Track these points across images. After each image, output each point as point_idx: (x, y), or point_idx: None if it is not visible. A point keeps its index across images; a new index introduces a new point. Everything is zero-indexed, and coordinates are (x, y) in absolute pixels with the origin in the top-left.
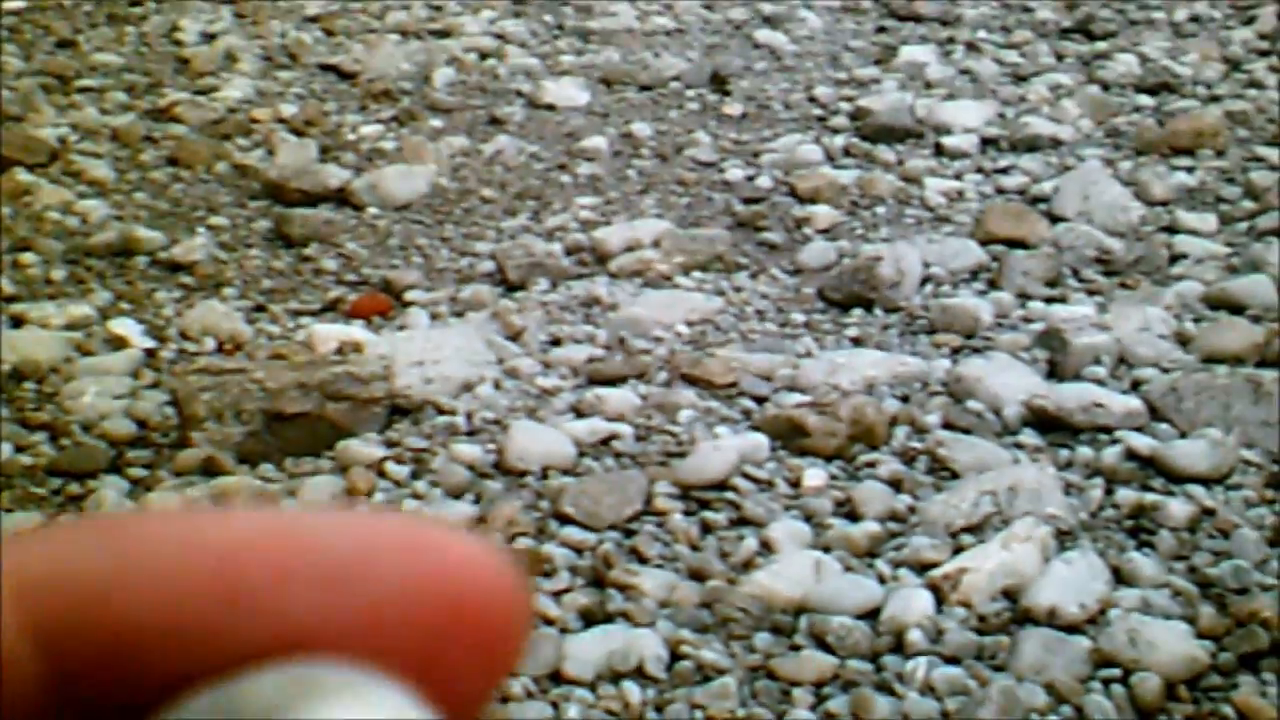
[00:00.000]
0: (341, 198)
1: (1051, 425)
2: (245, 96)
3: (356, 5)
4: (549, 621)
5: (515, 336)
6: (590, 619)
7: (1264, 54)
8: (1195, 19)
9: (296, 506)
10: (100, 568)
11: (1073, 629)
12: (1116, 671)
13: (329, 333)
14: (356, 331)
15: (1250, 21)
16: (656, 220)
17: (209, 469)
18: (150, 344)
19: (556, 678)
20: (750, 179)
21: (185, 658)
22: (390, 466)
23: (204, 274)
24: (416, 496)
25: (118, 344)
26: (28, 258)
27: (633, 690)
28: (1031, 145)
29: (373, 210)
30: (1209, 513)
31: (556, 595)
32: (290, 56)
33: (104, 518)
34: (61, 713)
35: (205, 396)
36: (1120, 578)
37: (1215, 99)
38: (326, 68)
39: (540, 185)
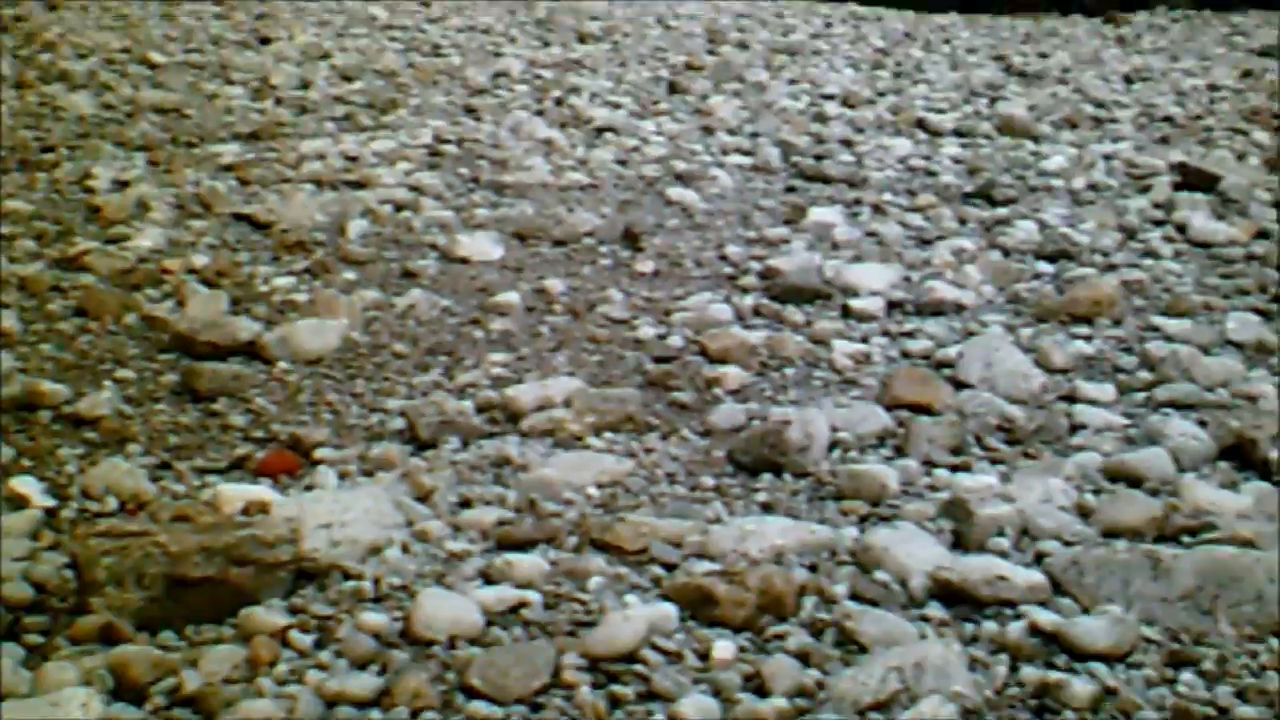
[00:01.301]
0: (252, 351)
1: (957, 598)
2: (156, 246)
3: (272, 154)
4: None
5: (425, 497)
6: None
7: (1159, 223)
8: (1093, 187)
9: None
10: None
11: None
12: None
13: (235, 493)
14: (263, 491)
15: (1146, 190)
16: (568, 378)
17: (108, 637)
18: (51, 503)
19: None
20: (662, 337)
21: None
22: (294, 635)
23: (109, 429)
24: (321, 667)
25: (18, 503)
26: None
27: None
28: (936, 310)
29: (283, 364)
30: (1111, 692)
31: None
32: (203, 205)
33: None
34: None
35: (106, 560)
36: None
37: (1112, 267)
38: (240, 217)
39: (453, 341)
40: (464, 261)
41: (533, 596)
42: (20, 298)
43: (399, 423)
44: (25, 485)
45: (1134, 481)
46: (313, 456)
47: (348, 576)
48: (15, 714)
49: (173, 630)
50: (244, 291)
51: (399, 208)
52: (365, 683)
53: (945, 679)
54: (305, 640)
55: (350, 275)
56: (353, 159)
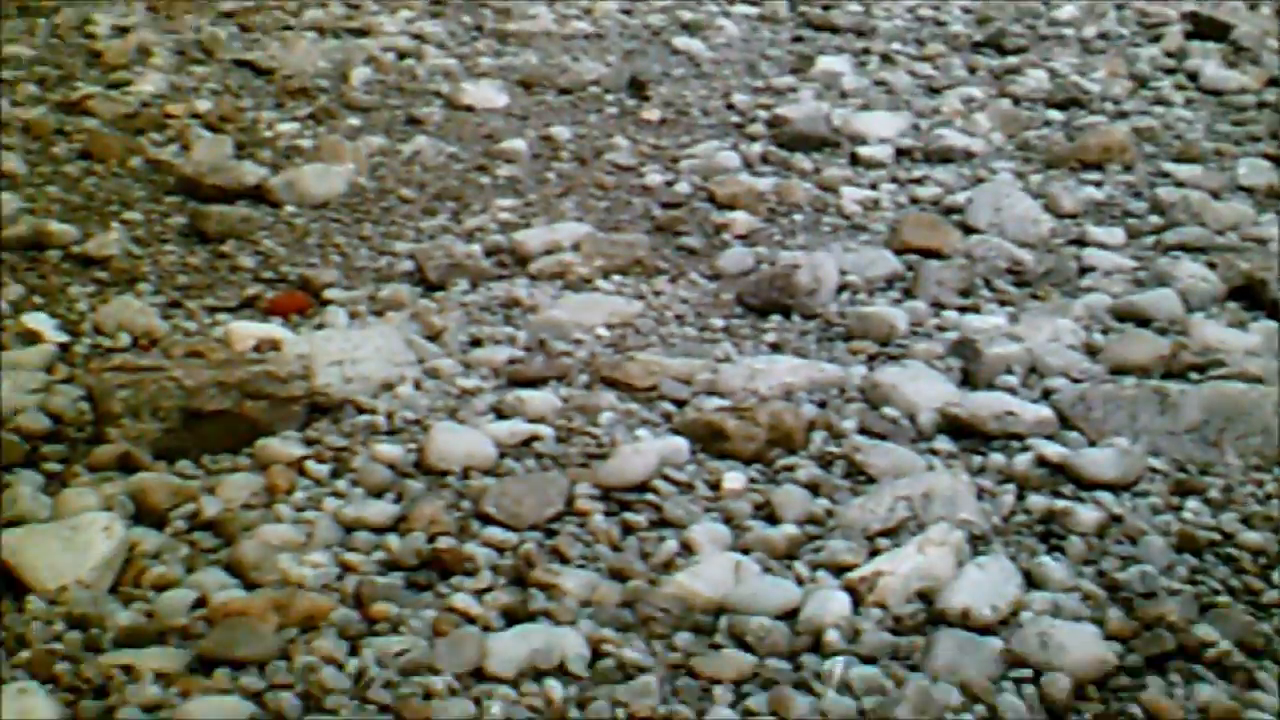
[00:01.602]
0: (258, 195)
1: (965, 432)
2: (159, 91)
3: (272, 1)
4: (471, 620)
5: (435, 337)
6: (512, 618)
7: (1170, 71)
8: (1104, 36)
9: (217, 505)
10: None
11: (985, 630)
12: (1027, 672)
13: (246, 330)
14: (274, 329)
15: (1157, 39)
16: (576, 224)
17: (126, 465)
18: (64, 339)
19: (479, 675)
20: (669, 184)
21: None
22: (310, 465)
23: (118, 269)
24: (338, 495)
25: (31, 338)
26: None
27: (555, 687)
28: (945, 157)
29: (290, 208)
30: (1117, 519)
31: (479, 594)
32: (205, 51)
33: None
34: None
35: (121, 393)
36: (1031, 581)
37: (1123, 115)
38: (242, 63)
39: (459, 186)
40: (469, 109)
41: (545, 430)
42: (24, 140)
43: (407, 265)
44: (37, 321)
45: (1142, 321)
46: (322, 297)
47: (361, 411)
48: (37, 538)
49: (189, 460)
50: (248, 136)
51: (402, 55)
52: (382, 510)
53: (953, 507)
54: (321, 470)
55: (355, 121)
56: (354, 6)
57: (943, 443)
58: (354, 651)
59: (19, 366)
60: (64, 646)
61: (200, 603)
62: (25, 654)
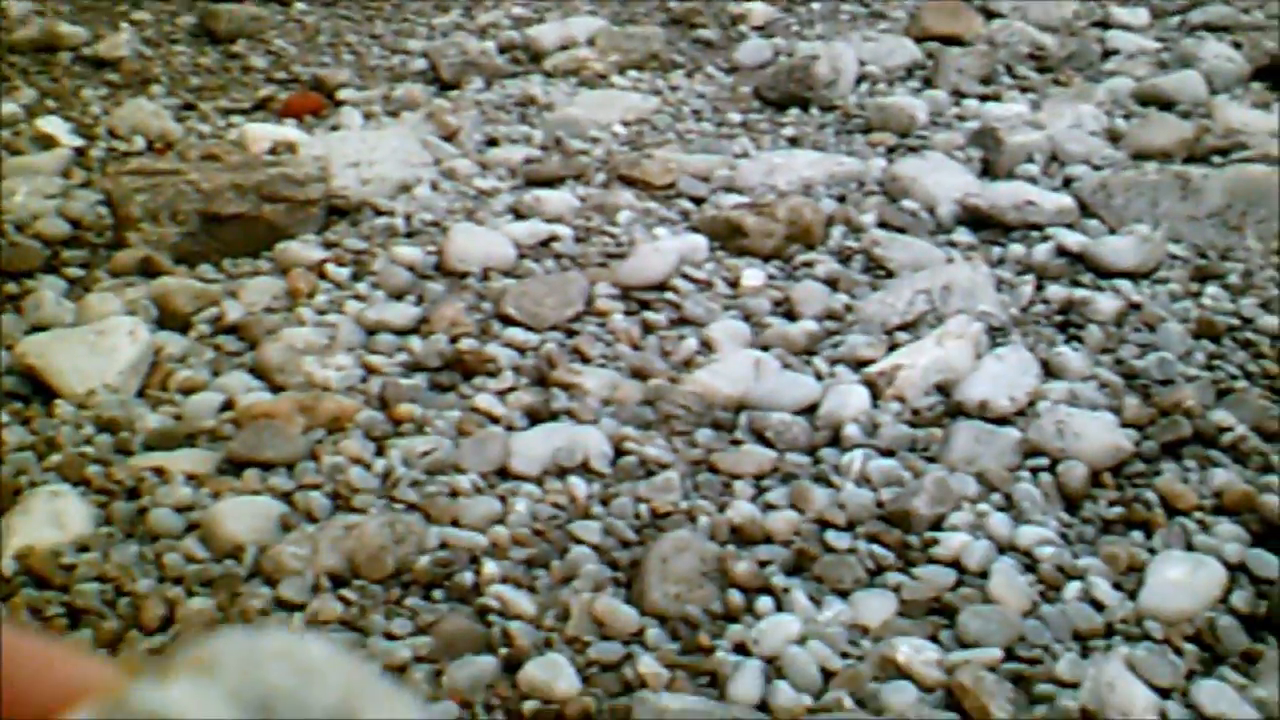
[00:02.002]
0: None
1: (984, 223)
2: None
3: None
4: (494, 420)
5: (451, 137)
6: (535, 417)
7: None
8: None
9: (239, 309)
10: None
11: (1003, 421)
12: (1044, 461)
13: (261, 132)
14: (290, 131)
15: None
16: (590, 17)
17: (147, 269)
18: (79, 142)
19: (504, 473)
20: None
21: None
22: (330, 268)
23: (130, 70)
24: (359, 298)
25: (46, 142)
26: None
27: (578, 485)
28: None
29: (300, 5)
30: (1135, 307)
31: (501, 394)
32: None
33: None
34: None
35: (140, 197)
36: (1049, 371)
37: None
38: None
39: None
40: None
41: (563, 230)
42: None
43: (421, 64)
44: (52, 125)
45: (1165, 104)
46: (336, 97)
47: (379, 213)
48: (63, 343)
49: (210, 264)
50: None
51: None
52: (404, 312)
53: (972, 299)
54: (341, 273)
55: None
56: None
57: (962, 234)
58: (380, 452)
59: (36, 171)
60: (94, 450)
61: (227, 405)
62: (56, 458)
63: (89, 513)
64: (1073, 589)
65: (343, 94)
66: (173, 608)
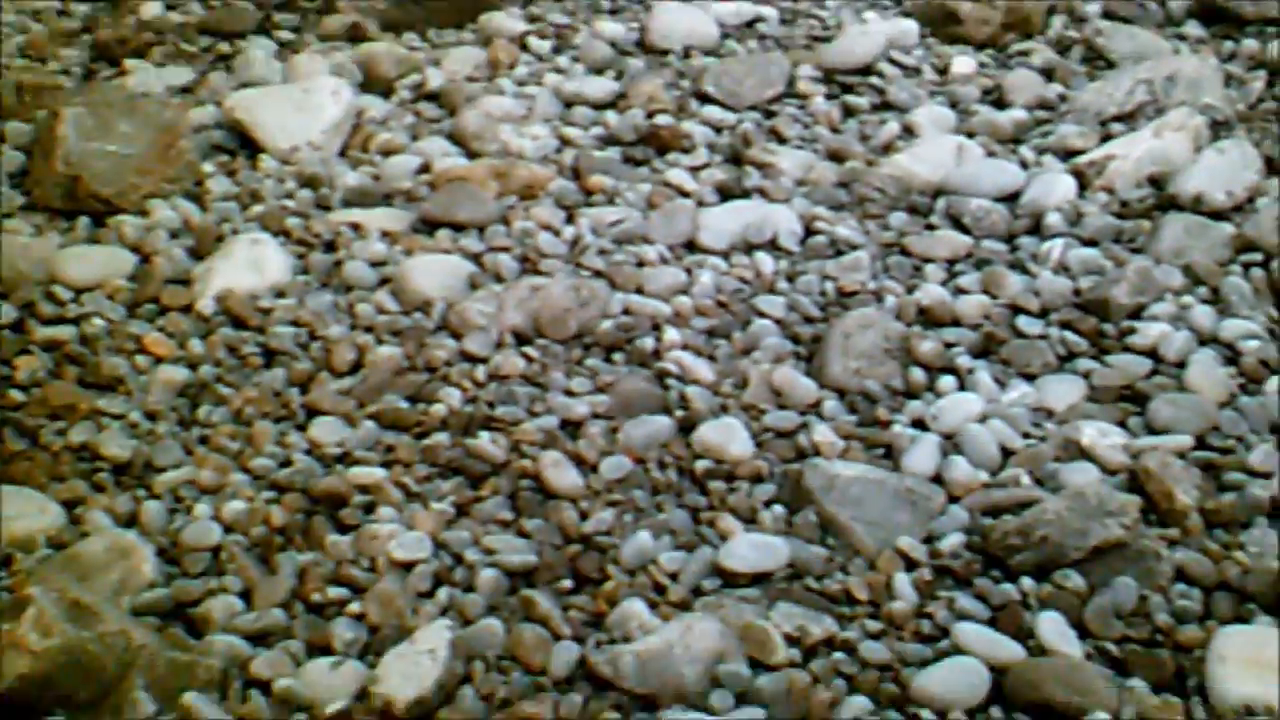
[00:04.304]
0: None
1: (1217, 17)
2: None
3: None
4: (685, 194)
5: None
6: (726, 194)
7: None
8: None
9: (440, 76)
10: None
11: (1218, 215)
12: (1258, 256)
13: None
14: None
15: None
16: None
17: (354, 35)
18: None
19: (691, 246)
20: None
21: None
22: (533, 40)
23: None
24: (558, 71)
25: None
26: None
27: (765, 260)
28: None
29: None
30: None
31: (694, 170)
32: None
33: None
34: None
35: None
36: (1273, 168)
37: None
38: None
39: None
40: None
41: (768, 12)
42: None
43: None
44: None
45: None
46: None
47: None
48: (270, 100)
49: (415, 33)
50: None
51: None
52: (602, 86)
53: (1197, 91)
54: (543, 46)
55: None
56: None
57: (1192, 27)
58: (570, 220)
59: None
60: (294, 203)
61: (424, 168)
62: (258, 209)
63: (287, 261)
64: (1275, 383)
65: None
66: (362, 353)
